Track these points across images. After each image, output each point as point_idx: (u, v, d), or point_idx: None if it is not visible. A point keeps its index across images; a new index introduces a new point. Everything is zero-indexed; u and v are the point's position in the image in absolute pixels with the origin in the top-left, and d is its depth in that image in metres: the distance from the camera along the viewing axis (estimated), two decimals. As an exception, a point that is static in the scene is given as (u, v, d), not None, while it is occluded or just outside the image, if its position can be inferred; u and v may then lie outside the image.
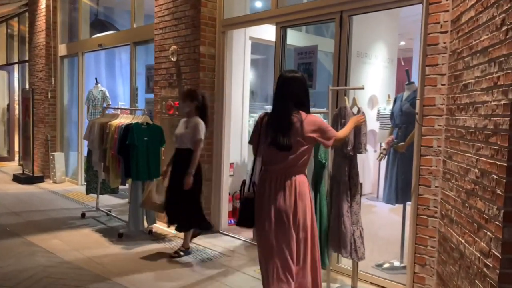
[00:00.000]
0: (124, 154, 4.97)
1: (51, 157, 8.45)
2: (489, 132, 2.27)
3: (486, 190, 2.27)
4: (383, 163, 4.60)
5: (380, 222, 5.92)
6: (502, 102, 2.12)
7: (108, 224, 5.59)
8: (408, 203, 4.24)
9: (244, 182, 3.00)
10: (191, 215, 4.42)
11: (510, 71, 2.06)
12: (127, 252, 4.57)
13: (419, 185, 3.29)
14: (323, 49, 6.75)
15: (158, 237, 5.14)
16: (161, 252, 4.58)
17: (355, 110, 3.47)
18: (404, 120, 4.19)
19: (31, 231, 5.18)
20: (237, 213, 5.76)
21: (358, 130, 3.35)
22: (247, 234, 5.28)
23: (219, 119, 5.29)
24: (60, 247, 4.62)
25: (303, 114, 2.75)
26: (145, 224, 5.15)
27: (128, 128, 4.92)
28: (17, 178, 8.50)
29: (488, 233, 2.22)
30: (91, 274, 3.92)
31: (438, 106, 3.16)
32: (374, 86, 7.87)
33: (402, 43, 10.01)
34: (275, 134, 2.70)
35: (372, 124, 7.83)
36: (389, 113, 4.63)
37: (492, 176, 2.20)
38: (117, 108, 6.93)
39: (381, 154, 4.36)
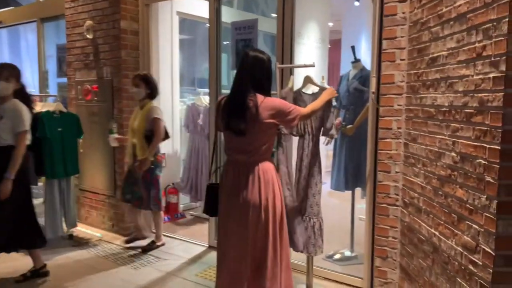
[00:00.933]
0: (34, 149, 4.21)
1: None
2: (472, 110, 1.98)
3: (469, 177, 1.99)
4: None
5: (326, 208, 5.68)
6: (491, 75, 1.83)
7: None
8: (358, 188, 4.01)
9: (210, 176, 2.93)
10: (22, 232, 3.45)
11: (501, 38, 1.77)
12: (52, 262, 3.87)
13: (377, 171, 3.00)
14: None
15: (81, 242, 4.47)
16: (84, 260, 3.94)
17: (309, 90, 3.09)
18: (351, 101, 3.90)
19: None
20: (170, 209, 5.22)
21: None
22: (184, 231, 4.78)
23: (147, 104, 4.66)
24: None
25: (259, 97, 2.49)
26: (64, 228, 4.45)
27: (36, 118, 4.15)
28: None
29: (474, 225, 1.94)
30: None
31: (398, 83, 2.87)
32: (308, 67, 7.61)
33: (330, 24, 9.87)
34: (229, 118, 2.52)
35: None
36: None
37: (478, 161, 1.92)
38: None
39: (328, 138, 4.04)
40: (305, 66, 3.12)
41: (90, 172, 4.93)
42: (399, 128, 2.88)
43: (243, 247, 2.53)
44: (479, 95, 1.92)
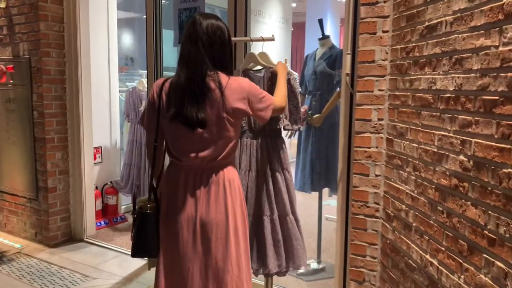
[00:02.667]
0: None
1: None
2: (495, 97, 1.37)
3: (490, 192, 1.39)
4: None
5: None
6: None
7: None
8: (326, 188, 3.41)
9: (135, 192, 2.14)
10: None
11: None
12: None
13: (352, 174, 2.38)
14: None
15: (-7, 257, 3.67)
16: (-8, 283, 3.17)
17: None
18: (319, 85, 3.27)
19: None
20: (108, 212, 4.47)
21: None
22: (122, 239, 4.06)
23: (74, 89, 3.86)
24: None
25: (223, 76, 1.81)
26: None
27: None
28: None
29: (499, 263, 1.35)
30: None
31: (379, 62, 2.24)
32: (269, 48, 6.93)
33: (293, 5, 9.19)
34: (181, 104, 1.77)
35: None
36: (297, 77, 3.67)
37: (506, 170, 1.31)
38: None
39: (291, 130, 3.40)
40: (264, 40, 2.44)
41: (8, 170, 4.10)
42: (380, 119, 2.27)
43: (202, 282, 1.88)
44: (509, 74, 1.31)
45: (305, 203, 4.64)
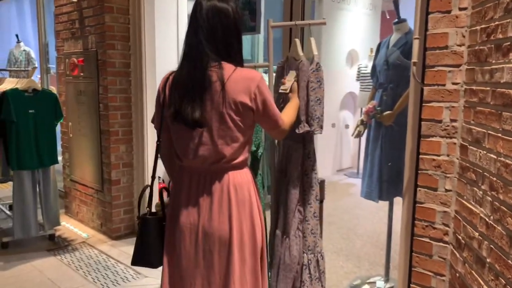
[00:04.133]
0: (2, 134, 3.54)
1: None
2: None
3: None
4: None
5: (359, 212, 4.64)
6: None
7: (2, 225, 4.18)
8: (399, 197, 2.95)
9: (144, 189, 1.91)
10: None
11: None
12: None
13: (417, 187, 1.95)
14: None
15: (60, 245, 3.78)
16: (47, 271, 3.22)
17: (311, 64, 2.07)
18: (391, 77, 2.81)
19: None
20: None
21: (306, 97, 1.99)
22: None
23: (138, 82, 3.82)
24: None
25: (227, 67, 1.59)
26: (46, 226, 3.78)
27: (1, 97, 3.45)
28: None
29: None
30: None
31: (454, 48, 1.77)
32: (353, 38, 6.44)
33: (387, -11, 8.47)
34: (180, 102, 1.59)
35: (351, 85, 6.47)
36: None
37: None
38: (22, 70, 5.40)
39: (358, 129, 2.99)
40: (311, 24, 2.08)
41: (79, 161, 4.22)
42: (453, 120, 1.80)
43: None
44: None
45: (375, 213, 4.18)
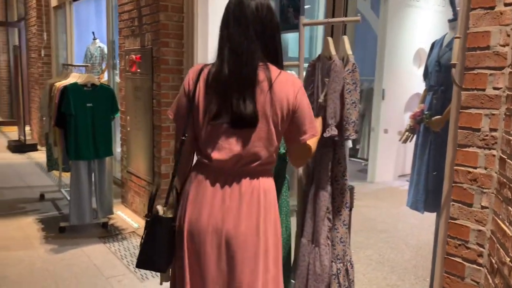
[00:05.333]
0: (63, 126, 3.78)
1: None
2: None
3: None
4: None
5: (414, 222, 4.37)
6: None
7: (64, 211, 4.48)
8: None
9: (153, 195, 1.71)
10: None
11: None
12: (52, 257, 3.41)
13: (451, 200, 1.77)
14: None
15: (111, 233, 3.96)
16: (93, 256, 3.38)
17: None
18: (442, 80, 2.61)
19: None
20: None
21: (340, 99, 1.89)
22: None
23: (189, 79, 3.89)
24: (-26, 246, 3.58)
25: (273, 68, 1.54)
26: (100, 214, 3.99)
27: (62, 91, 3.69)
28: (10, 146, 7.68)
29: None
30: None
31: (496, 49, 1.58)
32: (422, 37, 6.08)
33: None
34: (226, 99, 1.51)
35: (419, 86, 6.11)
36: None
37: None
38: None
39: (406, 133, 2.81)
40: (345, 21, 1.97)
41: (135, 154, 4.39)
42: (493, 130, 1.61)
43: None
44: None
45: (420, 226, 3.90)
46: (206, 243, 1.57)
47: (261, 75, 1.50)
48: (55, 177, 5.51)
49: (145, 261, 1.62)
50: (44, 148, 5.96)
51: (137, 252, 3.43)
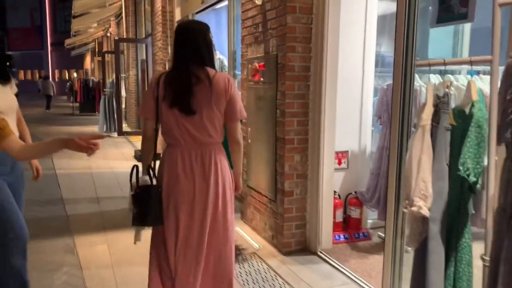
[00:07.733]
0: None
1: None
2: None
3: None
4: None
5: None
6: None
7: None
8: None
9: (134, 168, 2.32)
10: None
11: None
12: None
13: None
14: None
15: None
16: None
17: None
18: None
19: (89, 227, 4.30)
20: (350, 225, 4.01)
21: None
22: (358, 263, 3.48)
23: (317, 87, 3.50)
24: (96, 259, 3.56)
25: (211, 70, 2.24)
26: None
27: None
28: (136, 155, 8.04)
29: None
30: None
31: None
32: None
33: None
34: (178, 92, 2.20)
35: None
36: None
37: None
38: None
39: None
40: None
41: (255, 167, 4.12)
42: None
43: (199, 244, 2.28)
44: None
45: None
46: (183, 200, 2.23)
47: (202, 75, 2.17)
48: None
49: (143, 219, 2.19)
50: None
51: (258, 277, 3.16)
